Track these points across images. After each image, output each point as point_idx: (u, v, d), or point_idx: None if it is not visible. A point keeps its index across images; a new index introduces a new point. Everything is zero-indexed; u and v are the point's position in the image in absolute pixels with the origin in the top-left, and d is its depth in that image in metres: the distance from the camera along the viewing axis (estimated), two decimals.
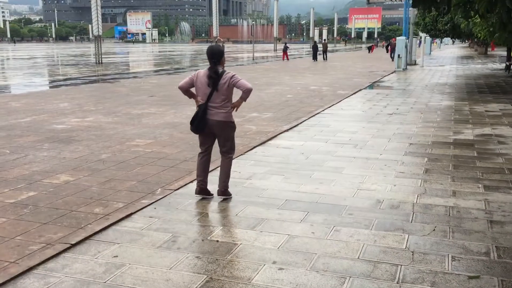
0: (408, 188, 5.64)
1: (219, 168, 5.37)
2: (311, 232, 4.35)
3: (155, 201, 5.12)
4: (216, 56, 4.96)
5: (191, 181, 5.83)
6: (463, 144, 8.04)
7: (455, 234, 4.32)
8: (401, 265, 3.72)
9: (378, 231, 4.38)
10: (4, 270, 3.66)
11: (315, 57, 37.87)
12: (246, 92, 4.96)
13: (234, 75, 4.97)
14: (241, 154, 7.22)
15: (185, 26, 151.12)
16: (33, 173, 6.39)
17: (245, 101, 5.13)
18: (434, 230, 4.40)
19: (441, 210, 4.93)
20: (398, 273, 3.59)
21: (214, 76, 4.92)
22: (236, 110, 5.20)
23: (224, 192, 5.22)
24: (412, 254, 3.90)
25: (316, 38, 70.52)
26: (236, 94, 5.02)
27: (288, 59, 38.65)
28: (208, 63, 5.03)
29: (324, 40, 52.52)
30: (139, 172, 6.49)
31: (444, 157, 7.13)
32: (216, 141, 5.23)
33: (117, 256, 3.84)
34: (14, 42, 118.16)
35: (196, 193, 5.26)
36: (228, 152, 5.19)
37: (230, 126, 5.10)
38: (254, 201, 5.16)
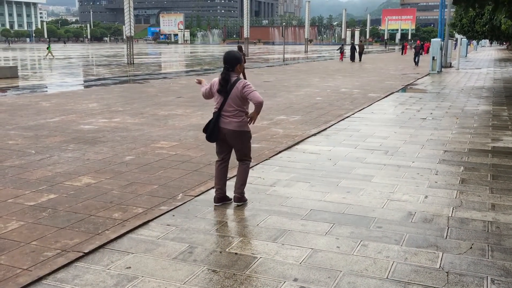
0: (443, 200, 5.28)
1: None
2: (336, 246, 4.07)
3: (174, 208, 4.95)
4: (229, 63, 4.75)
5: (213, 187, 5.62)
6: (502, 152, 7.57)
7: (495, 253, 3.96)
8: (435, 287, 3.41)
9: (409, 247, 4.06)
10: (14, 278, 3.54)
11: (352, 58, 38.22)
12: (258, 106, 4.76)
13: (247, 85, 4.74)
14: (266, 159, 6.99)
15: (215, 32, 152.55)
16: (55, 175, 6.34)
17: (258, 114, 4.91)
18: (471, 248, 4.05)
19: (479, 225, 4.57)
20: None
21: (223, 84, 4.76)
22: (252, 123, 4.98)
23: (240, 198, 5.07)
24: (447, 275, 3.57)
25: (348, 40, 69.76)
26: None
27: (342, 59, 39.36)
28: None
29: (360, 41, 52.14)
30: (161, 175, 6.34)
31: (482, 166, 6.70)
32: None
33: (130, 267, 3.66)
34: (64, 43, 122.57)
35: (215, 202, 5.09)
36: (244, 160, 5.02)
37: (244, 136, 4.89)
38: (277, 210, 4.92)
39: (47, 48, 45.17)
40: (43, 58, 43.28)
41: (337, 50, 42.75)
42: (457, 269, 3.67)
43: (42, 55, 45.64)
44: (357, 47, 40.30)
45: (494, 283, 3.47)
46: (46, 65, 34.56)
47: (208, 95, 5.02)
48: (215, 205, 5.06)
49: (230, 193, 5.16)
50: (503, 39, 38.40)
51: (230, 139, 4.89)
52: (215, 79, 4.95)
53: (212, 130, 4.85)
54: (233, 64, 4.76)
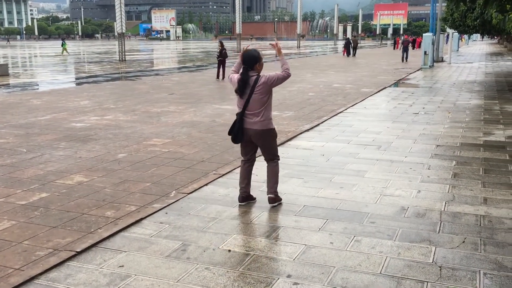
0: (435, 195, 5.30)
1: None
2: (329, 242, 4.08)
3: (167, 206, 4.92)
4: (248, 62, 4.66)
5: (206, 184, 5.63)
6: (494, 146, 7.61)
7: (487, 247, 3.98)
8: (428, 281, 3.42)
9: (402, 242, 4.07)
10: (6, 278, 3.51)
11: (348, 53, 38.66)
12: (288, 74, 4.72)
13: (267, 75, 4.66)
14: (259, 155, 6.96)
15: (192, 27, 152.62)
16: (47, 173, 6.29)
17: (282, 58, 4.80)
18: (463, 242, 4.07)
19: (471, 219, 4.59)
20: None
21: (241, 84, 4.64)
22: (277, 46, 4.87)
23: (275, 199, 4.93)
24: (440, 270, 3.59)
25: (340, 35, 69.90)
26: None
27: (345, 54, 39.44)
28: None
29: (354, 36, 52.22)
30: (154, 173, 6.32)
31: (474, 161, 6.74)
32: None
33: (123, 266, 3.64)
34: (63, 39, 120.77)
35: (240, 202, 4.98)
36: (274, 159, 4.92)
37: (270, 135, 4.81)
38: (270, 207, 4.90)
39: (62, 45, 45.31)
40: (60, 54, 43.52)
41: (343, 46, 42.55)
42: (449, 263, 3.69)
43: (58, 52, 46.11)
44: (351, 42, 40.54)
45: (486, 276, 3.49)
46: (38, 63, 34.30)
47: (231, 83, 4.90)
48: (209, 202, 5.04)
49: (227, 190, 5.13)
50: (494, 33, 38.58)
51: (256, 140, 4.79)
52: (236, 75, 4.77)
53: (237, 132, 4.73)
54: (251, 63, 4.66)
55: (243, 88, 4.64)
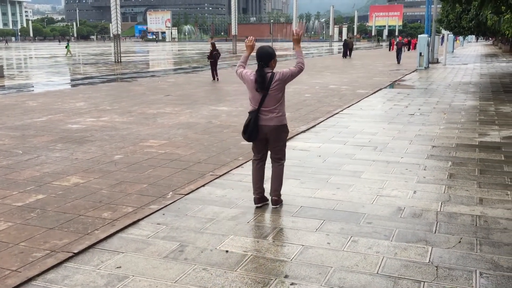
0: (431, 195, 5.32)
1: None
2: (326, 242, 4.09)
3: (164, 207, 4.92)
4: (264, 59, 4.67)
5: (203, 185, 5.64)
6: (489, 147, 7.65)
7: (483, 247, 4.01)
8: (424, 281, 3.44)
9: (399, 242, 4.09)
10: (3, 280, 3.51)
11: (345, 54, 38.80)
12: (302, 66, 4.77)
13: (281, 72, 4.69)
14: None
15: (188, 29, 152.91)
16: (43, 175, 6.28)
17: (298, 50, 4.83)
18: (459, 242, 4.09)
19: (467, 219, 4.61)
20: None
21: (260, 81, 4.63)
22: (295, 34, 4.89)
23: (277, 200, 4.93)
24: (436, 269, 3.61)
25: (336, 37, 70.09)
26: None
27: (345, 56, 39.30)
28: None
29: (350, 38, 52.36)
30: (150, 174, 6.32)
31: (469, 161, 6.77)
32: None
33: (120, 267, 3.64)
34: (59, 41, 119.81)
35: (255, 203, 4.91)
36: (281, 159, 4.92)
37: (284, 131, 4.81)
38: (267, 208, 4.92)
39: (66, 47, 45.94)
40: (65, 55, 43.96)
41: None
42: (446, 263, 3.71)
43: (63, 54, 46.51)
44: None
45: (482, 276, 3.52)
46: (33, 64, 34.17)
47: (240, 78, 4.92)
48: (206, 203, 5.04)
49: (223, 191, 5.13)
50: (489, 34, 38.78)
51: (271, 135, 4.76)
52: (248, 72, 4.79)
53: (252, 130, 4.70)
54: (266, 60, 4.67)
55: (262, 84, 4.63)
